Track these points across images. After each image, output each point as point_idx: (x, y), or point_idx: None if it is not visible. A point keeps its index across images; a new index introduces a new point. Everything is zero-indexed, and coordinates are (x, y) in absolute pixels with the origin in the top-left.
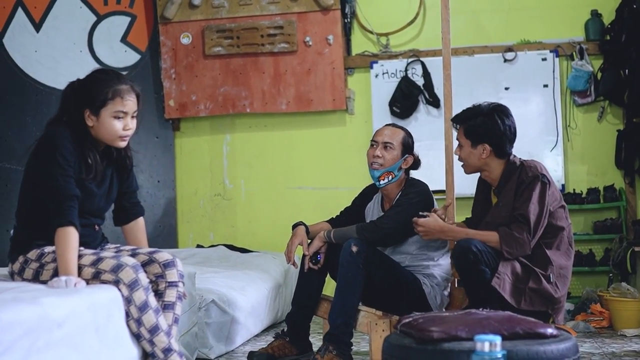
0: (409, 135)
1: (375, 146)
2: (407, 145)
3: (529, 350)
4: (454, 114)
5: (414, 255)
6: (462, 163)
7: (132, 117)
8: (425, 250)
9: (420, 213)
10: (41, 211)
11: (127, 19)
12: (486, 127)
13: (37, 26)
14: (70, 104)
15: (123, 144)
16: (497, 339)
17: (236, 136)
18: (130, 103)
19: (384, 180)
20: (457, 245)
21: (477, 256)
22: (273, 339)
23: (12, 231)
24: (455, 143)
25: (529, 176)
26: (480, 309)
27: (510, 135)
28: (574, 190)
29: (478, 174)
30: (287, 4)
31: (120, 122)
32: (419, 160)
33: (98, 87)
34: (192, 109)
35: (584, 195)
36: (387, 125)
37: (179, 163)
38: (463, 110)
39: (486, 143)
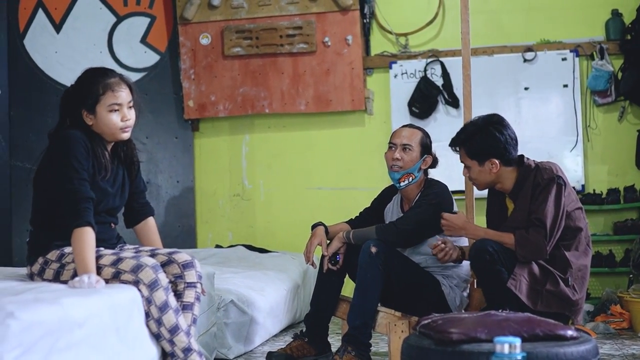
0: (426, 135)
1: (393, 148)
2: (426, 146)
3: (548, 352)
4: (473, 115)
5: (433, 256)
6: (472, 182)
7: (129, 107)
8: None
9: (453, 211)
10: (59, 212)
11: (147, 20)
12: (486, 142)
13: (58, 27)
14: (67, 109)
15: (126, 136)
16: (517, 341)
17: (255, 136)
18: (122, 94)
19: (404, 182)
20: (473, 246)
21: (493, 256)
22: (292, 340)
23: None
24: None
25: (544, 178)
26: (500, 311)
27: (512, 142)
28: (594, 190)
29: None
30: (306, 5)
31: (117, 115)
32: (437, 159)
33: (88, 85)
34: (211, 109)
35: (604, 196)
36: (404, 126)
37: (198, 163)
38: (458, 133)
39: (492, 157)
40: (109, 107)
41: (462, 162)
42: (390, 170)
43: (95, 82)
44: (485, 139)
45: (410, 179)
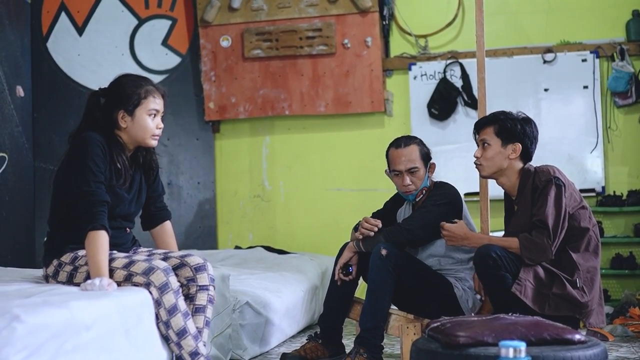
0: (421, 143)
1: (400, 175)
2: (426, 155)
3: (555, 356)
4: None
5: (445, 258)
6: (479, 164)
7: (161, 117)
8: (457, 253)
9: (452, 221)
10: (74, 216)
11: (168, 23)
12: (523, 127)
13: (80, 30)
14: (96, 111)
15: (154, 143)
16: (522, 345)
17: (275, 138)
18: (160, 102)
19: (420, 197)
20: (477, 252)
21: (496, 262)
22: (306, 341)
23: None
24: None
25: (542, 180)
26: (510, 314)
27: (536, 142)
28: (614, 192)
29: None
30: (325, 7)
31: (153, 120)
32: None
33: (130, 88)
34: (232, 111)
35: (624, 198)
36: (396, 148)
37: (219, 165)
38: (492, 113)
39: (519, 142)
40: (149, 111)
41: (482, 139)
42: (403, 194)
43: (139, 85)
44: (523, 124)
45: (424, 191)
